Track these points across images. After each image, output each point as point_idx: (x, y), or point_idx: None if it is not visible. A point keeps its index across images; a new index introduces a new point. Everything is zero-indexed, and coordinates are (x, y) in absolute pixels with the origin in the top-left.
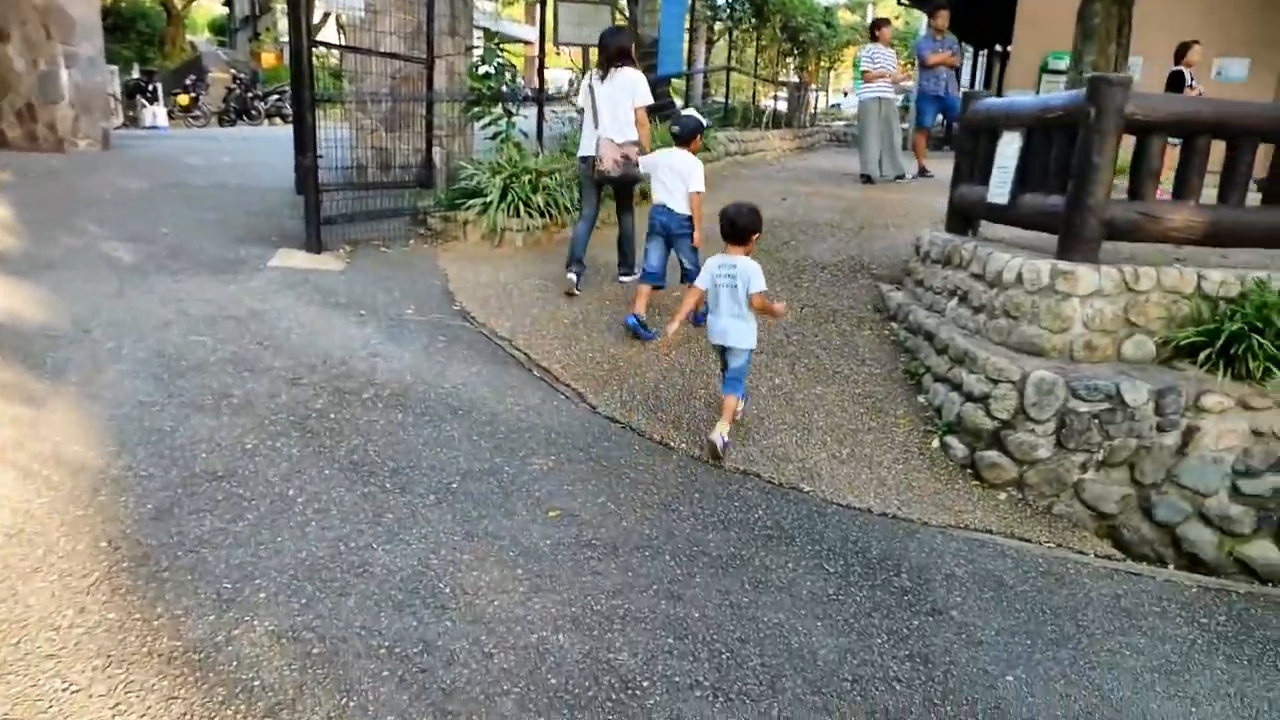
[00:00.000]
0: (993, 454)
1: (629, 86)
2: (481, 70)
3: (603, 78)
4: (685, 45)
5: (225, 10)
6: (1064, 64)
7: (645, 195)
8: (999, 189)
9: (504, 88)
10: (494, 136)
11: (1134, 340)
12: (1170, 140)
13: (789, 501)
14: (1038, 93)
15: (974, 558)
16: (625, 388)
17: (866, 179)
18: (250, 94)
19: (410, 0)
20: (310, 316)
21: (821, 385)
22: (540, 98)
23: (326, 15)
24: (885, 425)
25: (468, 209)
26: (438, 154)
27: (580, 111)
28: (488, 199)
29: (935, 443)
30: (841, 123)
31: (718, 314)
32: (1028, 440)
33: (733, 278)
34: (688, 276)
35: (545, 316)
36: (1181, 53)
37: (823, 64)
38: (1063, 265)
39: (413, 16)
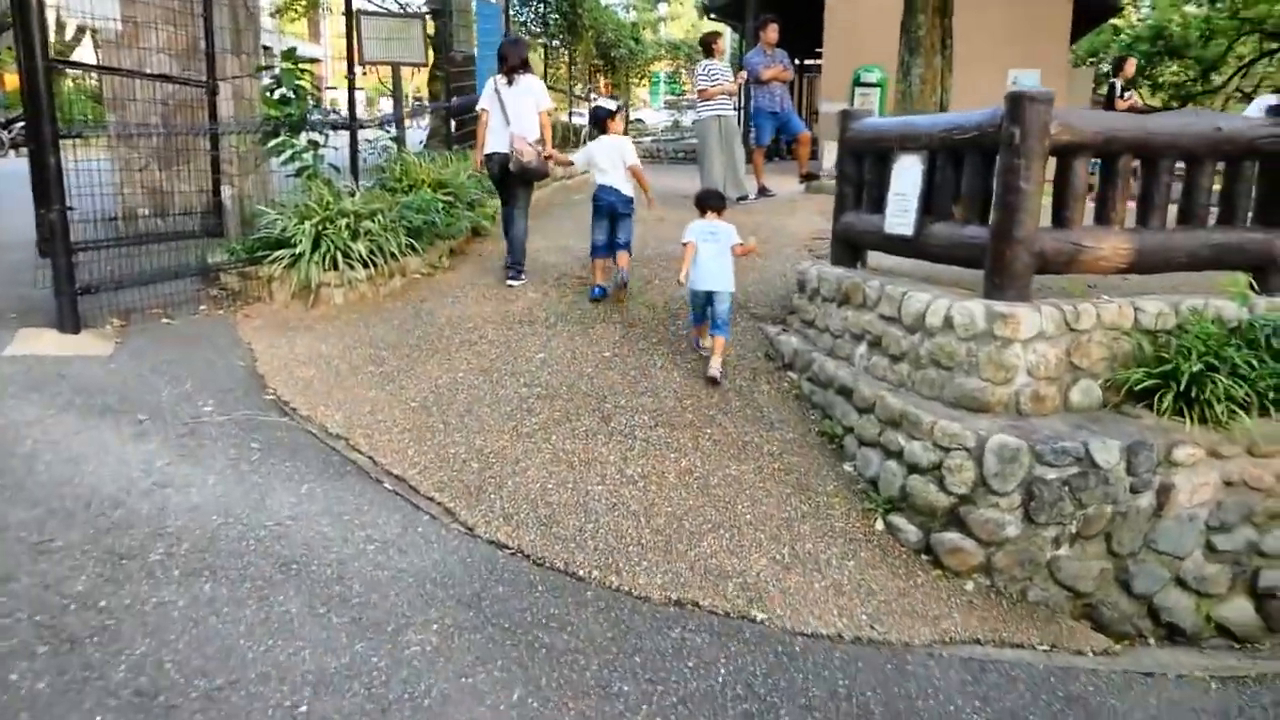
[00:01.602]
0: (953, 536)
1: (534, 92)
2: (278, 94)
3: (509, 83)
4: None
5: None
6: (875, 76)
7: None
8: (899, 218)
9: (308, 114)
10: (299, 173)
11: (1080, 386)
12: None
13: (747, 644)
14: (851, 105)
15: (985, 693)
16: (504, 493)
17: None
18: None
19: (181, 11)
20: (66, 432)
21: (736, 462)
22: (353, 125)
23: (82, 30)
24: (818, 508)
25: (272, 262)
26: (228, 195)
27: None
28: (296, 250)
29: (879, 523)
30: (649, 138)
31: (705, 265)
32: (993, 518)
33: (716, 235)
34: (619, 246)
35: (386, 398)
36: (1119, 66)
37: (631, 80)
38: (1000, 307)
39: (185, 32)
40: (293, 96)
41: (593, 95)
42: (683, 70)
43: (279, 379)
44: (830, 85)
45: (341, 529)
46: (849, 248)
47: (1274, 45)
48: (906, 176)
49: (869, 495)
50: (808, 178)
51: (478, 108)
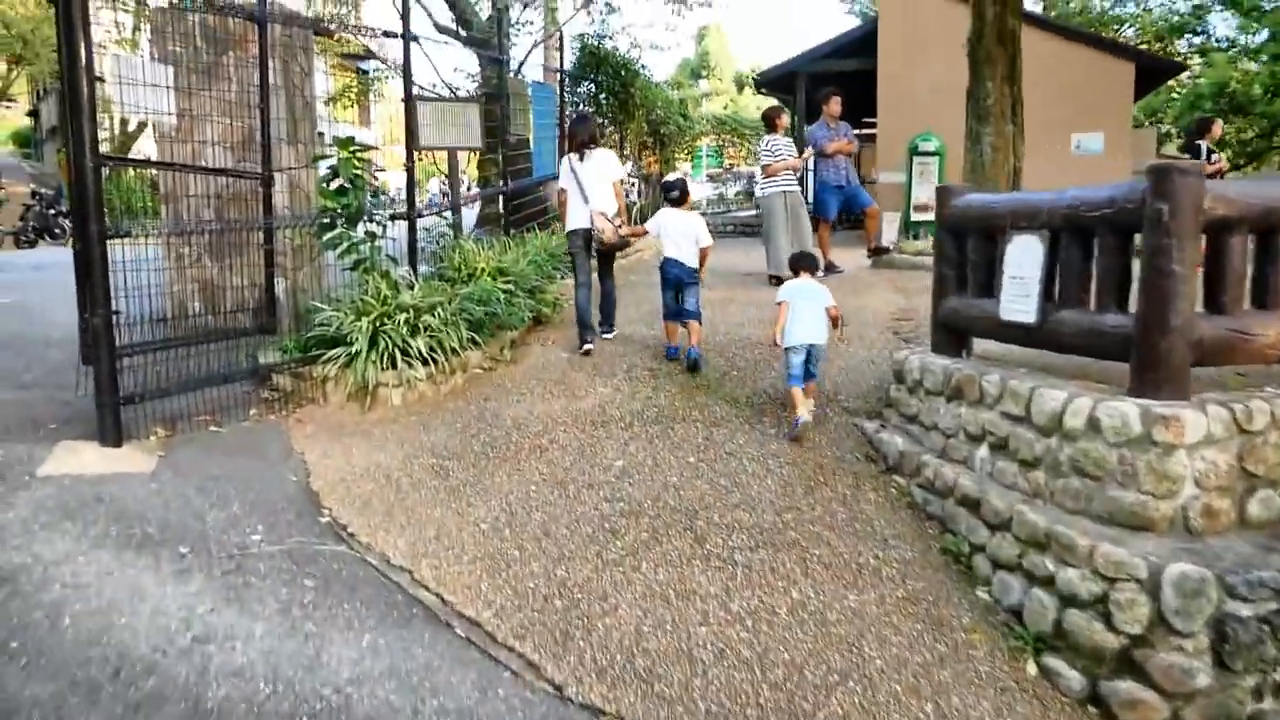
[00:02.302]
0: (1128, 685)
1: (607, 165)
2: (334, 185)
3: (580, 159)
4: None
5: (30, 120)
6: (933, 145)
7: None
8: (1018, 304)
9: (365, 204)
10: (355, 266)
11: (1258, 497)
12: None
13: None
14: (909, 175)
15: None
16: (594, 638)
17: (777, 280)
18: (54, 211)
19: (238, 102)
20: (99, 572)
21: (853, 591)
22: (411, 214)
23: (142, 124)
24: (957, 648)
25: (327, 362)
26: (282, 289)
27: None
28: (353, 348)
29: (1031, 666)
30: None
31: (805, 320)
32: (1178, 663)
33: (812, 293)
34: (688, 314)
35: (453, 519)
36: (1205, 128)
37: (678, 156)
38: (1158, 407)
39: (242, 122)
40: (349, 186)
41: (639, 170)
42: (726, 144)
43: (334, 496)
44: (885, 155)
45: (410, 696)
46: (953, 335)
47: None
48: (1025, 258)
49: (1013, 630)
50: (876, 252)
51: (558, 187)
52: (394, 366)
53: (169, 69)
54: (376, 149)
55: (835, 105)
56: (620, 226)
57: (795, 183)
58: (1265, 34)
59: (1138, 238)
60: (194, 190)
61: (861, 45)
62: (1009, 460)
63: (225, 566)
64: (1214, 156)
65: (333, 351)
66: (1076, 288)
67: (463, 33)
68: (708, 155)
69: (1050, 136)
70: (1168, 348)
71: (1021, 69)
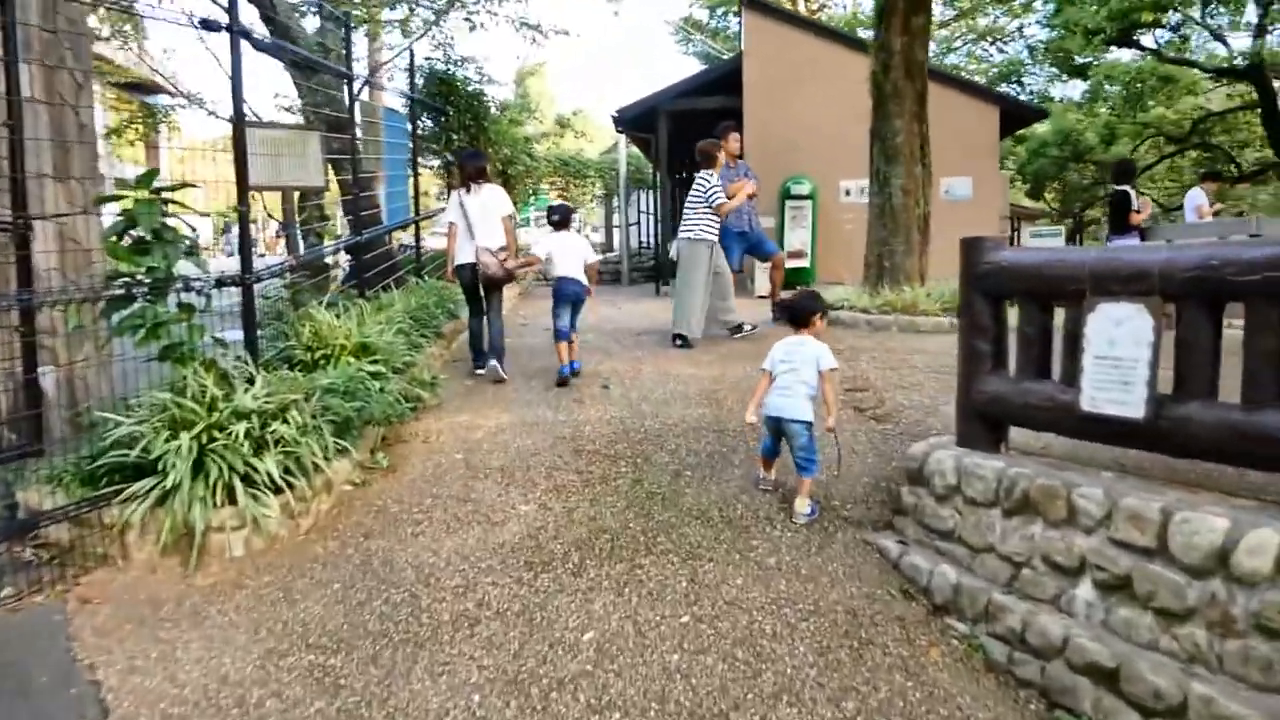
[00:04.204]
0: None
1: (496, 200)
2: (127, 238)
3: (468, 192)
4: (411, 185)
5: None
6: (806, 188)
7: None
8: (1113, 394)
9: (177, 264)
10: (165, 355)
11: None
12: None
13: None
14: (781, 220)
15: None
16: None
17: (683, 341)
18: None
19: None
20: None
21: None
22: (247, 278)
23: None
24: None
25: (127, 501)
26: (51, 387)
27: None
28: (168, 479)
29: None
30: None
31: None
32: None
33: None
34: (568, 330)
35: None
36: (1126, 171)
37: (520, 198)
38: None
39: None
40: (154, 240)
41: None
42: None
43: None
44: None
45: None
46: (989, 424)
47: (1171, 148)
48: (1123, 333)
49: None
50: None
51: (444, 221)
52: (232, 501)
53: None
54: (194, 186)
55: (734, 143)
56: (506, 260)
57: (716, 229)
58: (1083, 87)
59: None
60: None
61: (727, 83)
62: (1137, 608)
63: None
64: (1139, 200)
65: (136, 485)
66: (1207, 375)
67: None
68: (537, 199)
69: None
70: None
71: (927, 110)
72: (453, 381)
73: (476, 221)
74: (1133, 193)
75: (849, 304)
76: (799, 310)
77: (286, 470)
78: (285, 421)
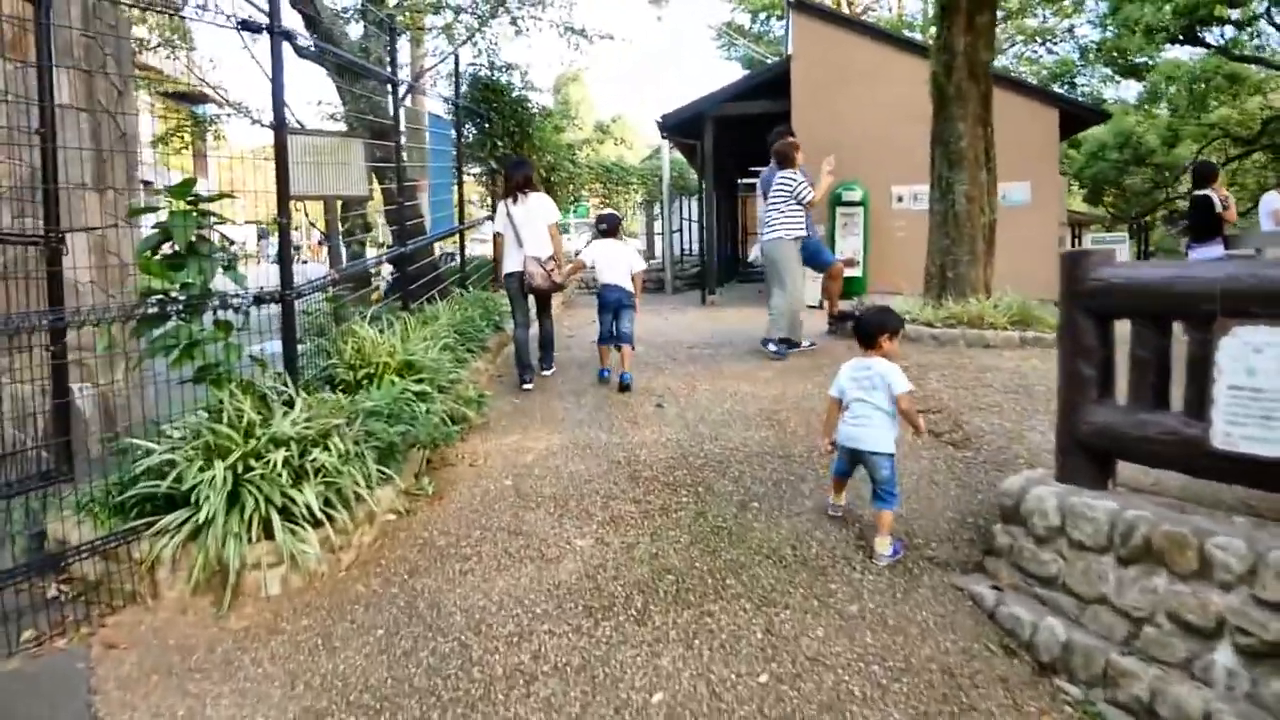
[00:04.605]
0: None
1: (543, 208)
2: (163, 252)
3: (515, 202)
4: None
5: None
6: (857, 194)
7: None
8: (1256, 430)
9: (214, 279)
10: (200, 376)
11: None
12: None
13: None
14: (831, 228)
15: None
16: None
17: (781, 347)
18: None
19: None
20: None
21: None
22: (288, 294)
23: None
24: None
25: (159, 535)
26: (88, 404)
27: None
28: (201, 511)
29: None
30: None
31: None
32: None
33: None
34: (623, 339)
35: None
36: (1208, 174)
37: (568, 202)
38: None
39: (14, 159)
40: (189, 255)
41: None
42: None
43: None
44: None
45: None
46: (1095, 459)
47: (1237, 150)
48: (1266, 362)
49: None
50: (839, 319)
51: (493, 230)
52: (269, 535)
53: None
54: (233, 196)
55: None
56: (553, 271)
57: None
58: (1138, 88)
59: None
60: None
61: (773, 87)
62: None
63: None
64: (1225, 202)
65: (168, 518)
66: None
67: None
68: (577, 206)
69: None
70: None
71: (992, 111)
72: (499, 399)
73: (524, 231)
74: (1215, 196)
75: (911, 316)
76: (867, 328)
77: (327, 502)
78: (326, 448)
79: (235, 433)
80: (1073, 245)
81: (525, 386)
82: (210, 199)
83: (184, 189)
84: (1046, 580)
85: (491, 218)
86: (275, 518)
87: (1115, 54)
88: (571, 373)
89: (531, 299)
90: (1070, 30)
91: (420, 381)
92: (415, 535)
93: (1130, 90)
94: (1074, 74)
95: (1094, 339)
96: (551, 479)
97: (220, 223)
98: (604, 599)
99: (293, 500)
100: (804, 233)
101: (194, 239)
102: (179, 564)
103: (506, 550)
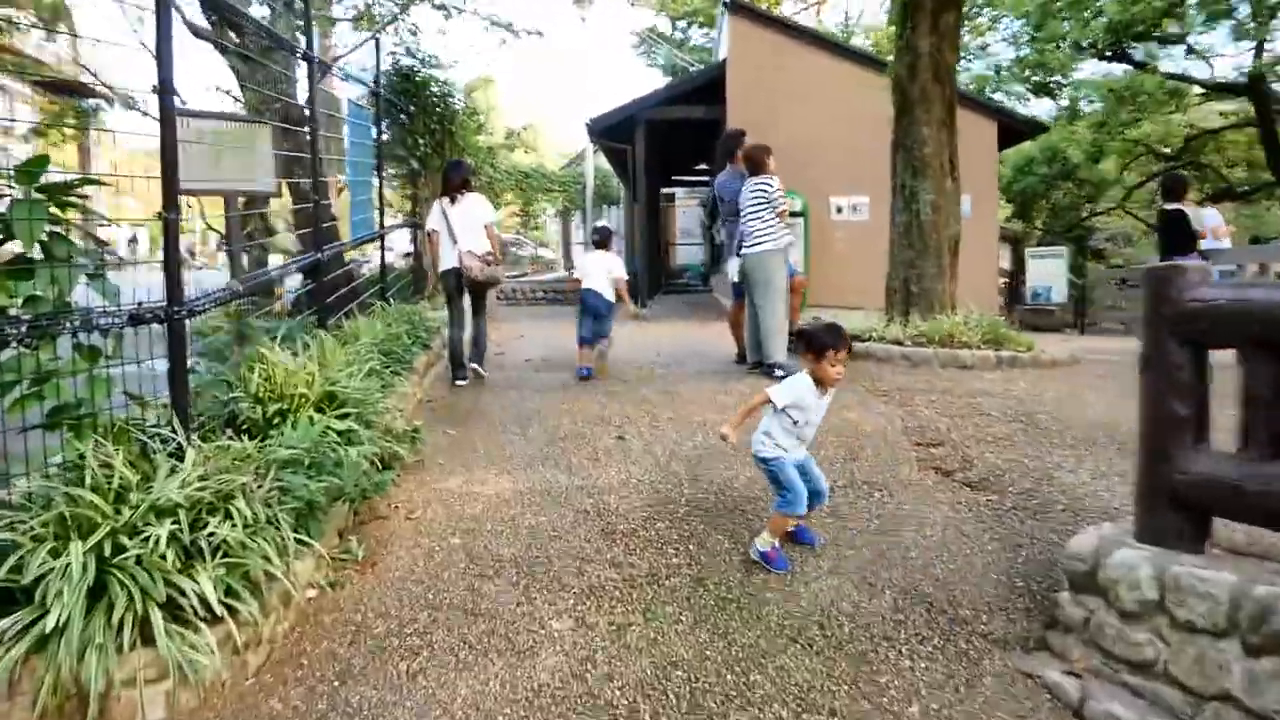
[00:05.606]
0: None
1: (478, 208)
2: (1, 254)
3: (452, 202)
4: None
5: None
6: (797, 204)
7: None
8: None
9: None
10: (52, 422)
11: None
12: None
13: None
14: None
15: None
16: None
17: (769, 370)
18: None
19: None
20: None
21: None
22: (174, 310)
23: None
24: None
25: None
26: None
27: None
28: (51, 614)
29: None
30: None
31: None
32: None
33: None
34: (601, 333)
35: None
36: (1180, 187)
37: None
38: None
39: None
40: (39, 258)
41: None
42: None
43: None
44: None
45: None
46: (1192, 517)
47: (1158, 166)
48: None
49: None
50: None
51: (426, 229)
52: (148, 642)
53: None
54: (102, 183)
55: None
56: (491, 261)
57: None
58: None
59: None
60: None
61: (707, 91)
62: None
63: None
64: (1209, 217)
65: (2, 622)
66: None
67: (232, 35)
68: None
69: None
70: None
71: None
72: (433, 428)
73: (459, 228)
74: (1189, 211)
75: (877, 334)
76: (810, 340)
77: (228, 590)
78: (228, 516)
79: (102, 499)
80: (1012, 262)
81: (458, 382)
82: (70, 186)
83: (32, 171)
84: (1140, 666)
85: (415, 224)
86: (156, 616)
87: (1032, 71)
88: (510, 397)
89: (467, 298)
90: (984, 48)
91: (345, 417)
92: (345, 619)
93: (1042, 108)
94: (990, 89)
95: (1189, 373)
96: (509, 536)
97: (87, 217)
98: (599, 710)
99: (181, 591)
100: (791, 239)
101: (45, 238)
102: (18, 686)
103: (464, 639)
